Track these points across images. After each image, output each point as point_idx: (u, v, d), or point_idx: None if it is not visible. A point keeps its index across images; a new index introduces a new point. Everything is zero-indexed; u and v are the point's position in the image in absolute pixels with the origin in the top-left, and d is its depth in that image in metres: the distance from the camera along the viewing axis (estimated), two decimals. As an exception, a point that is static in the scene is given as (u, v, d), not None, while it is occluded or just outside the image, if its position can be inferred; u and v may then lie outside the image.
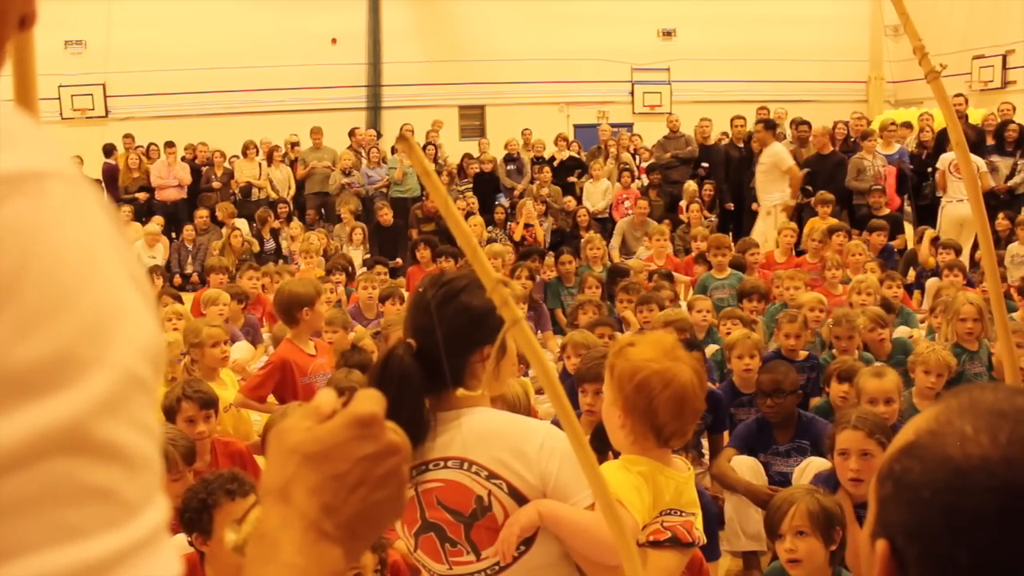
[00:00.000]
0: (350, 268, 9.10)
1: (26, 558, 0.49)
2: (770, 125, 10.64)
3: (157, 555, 0.55)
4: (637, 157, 13.83)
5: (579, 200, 12.51)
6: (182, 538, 2.57)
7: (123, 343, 0.54)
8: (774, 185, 10.14)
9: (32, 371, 0.50)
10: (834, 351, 5.15)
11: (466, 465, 1.85)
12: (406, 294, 7.80)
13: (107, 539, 0.52)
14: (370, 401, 0.80)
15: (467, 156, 13.82)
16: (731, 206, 12.11)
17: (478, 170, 13.36)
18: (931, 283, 7.51)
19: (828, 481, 3.25)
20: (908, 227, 10.64)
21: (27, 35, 0.84)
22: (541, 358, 0.98)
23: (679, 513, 1.92)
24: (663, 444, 1.93)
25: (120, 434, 0.53)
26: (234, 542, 0.79)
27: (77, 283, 0.52)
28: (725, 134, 13.15)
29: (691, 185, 11.98)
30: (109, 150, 13.62)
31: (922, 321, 6.62)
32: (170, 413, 3.62)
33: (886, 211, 10.04)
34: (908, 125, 12.91)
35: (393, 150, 13.36)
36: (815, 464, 3.75)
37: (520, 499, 1.82)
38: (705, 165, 12.42)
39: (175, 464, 3.14)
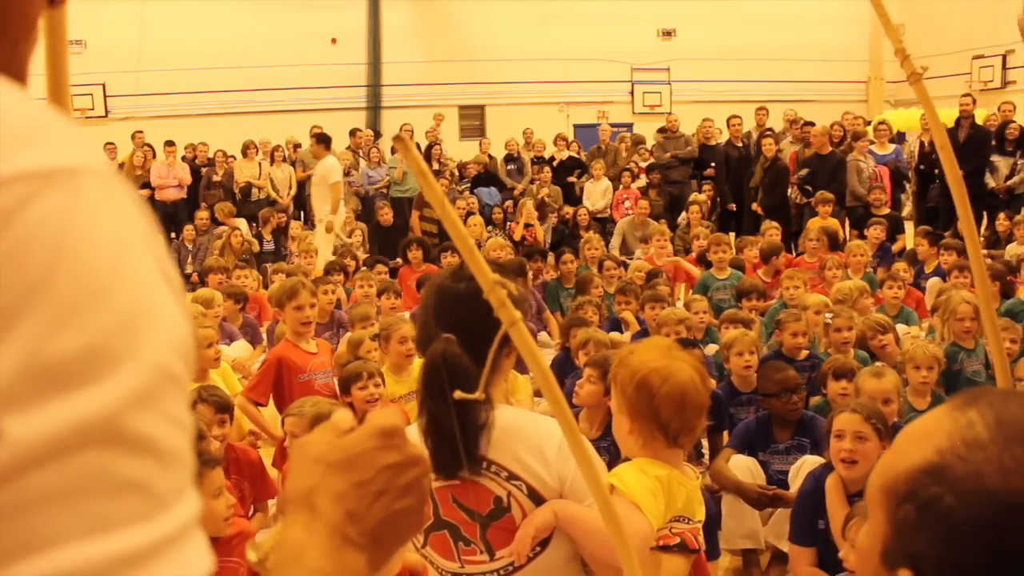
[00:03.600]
0: (353, 264, 9.09)
1: (60, 549, 0.49)
2: (322, 139, 10.20)
3: (188, 549, 0.55)
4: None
5: (579, 200, 12.52)
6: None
7: (155, 338, 0.54)
8: (326, 198, 9.87)
9: (66, 364, 0.50)
10: (830, 350, 5.15)
11: (486, 465, 1.82)
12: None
13: (140, 532, 0.52)
14: (391, 415, 0.82)
15: (461, 163, 13.90)
16: (733, 207, 12.10)
17: (475, 172, 13.40)
18: (932, 283, 7.51)
19: (821, 475, 3.28)
20: (909, 227, 10.64)
21: (61, 30, 0.84)
22: (539, 360, 0.98)
23: (687, 520, 1.93)
24: (672, 443, 1.93)
25: (152, 427, 0.53)
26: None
27: (110, 278, 0.52)
28: (718, 129, 13.11)
29: (699, 196, 11.81)
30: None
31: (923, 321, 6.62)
32: None
33: (886, 210, 10.03)
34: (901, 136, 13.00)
35: (393, 150, 13.36)
36: (810, 462, 3.76)
37: (539, 500, 1.81)
38: (713, 165, 12.41)
39: None
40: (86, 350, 0.50)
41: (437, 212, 0.86)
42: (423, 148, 13.42)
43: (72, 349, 0.50)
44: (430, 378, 1.77)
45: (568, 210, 12.33)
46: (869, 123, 12.96)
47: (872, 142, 11.61)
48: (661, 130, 13.09)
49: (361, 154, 13.30)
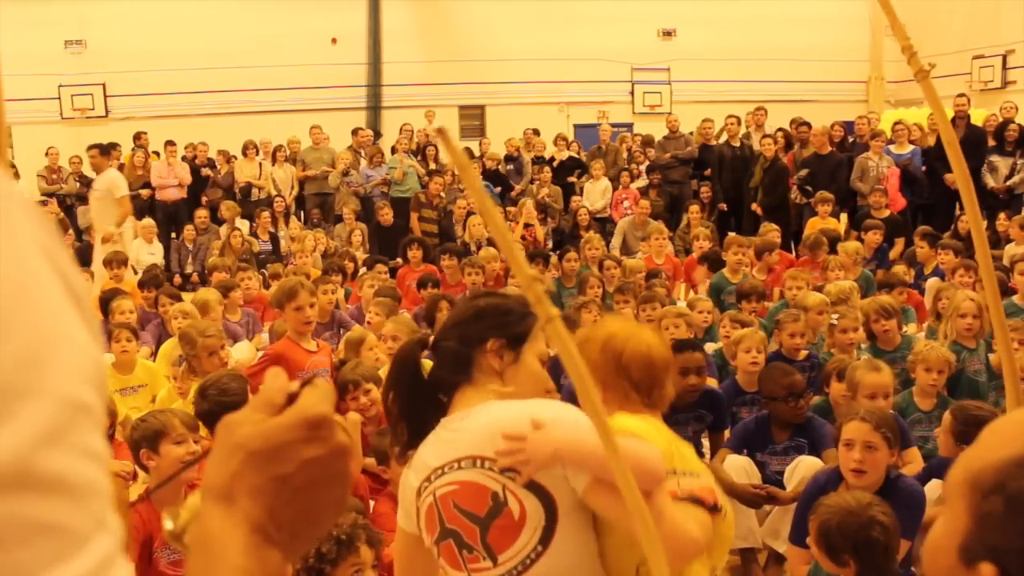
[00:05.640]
0: (352, 265, 9.08)
1: None
2: (104, 151, 9.84)
3: None
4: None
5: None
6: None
7: (62, 368, 0.51)
8: (111, 210, 9.49)
9: None
10: (833, 350, 5.15)
11: (479, 462, 1.84)
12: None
13: (58, 574, 0.50)
14: (321, 400, 0.77)
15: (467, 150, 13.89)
16: (724, 207, 12.11)
17: (479, 169, 13.40)
18: (931, 283, 7.51)
19: (827, 480, 3.25)
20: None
21: None
22: (574, 356, 0.97)
23: (688, 475, 1.89)
24: (647, 400, 1.97)
25: (64, 464, 0.51)
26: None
27: (11, 309, 0.49)
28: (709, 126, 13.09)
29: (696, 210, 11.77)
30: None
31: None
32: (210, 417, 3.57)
33: (885, 212, 10.01)
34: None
35: (393, 150, 13.36)
36: (805, 463, 3.76)
37: (537, 488, 1.81)
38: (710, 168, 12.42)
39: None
40: None
41: (476, 207, 0.86)
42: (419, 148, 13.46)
43: None
44: (399, 368, 2.05)
45: (576, 200, 12.31)
46: (871, 123, 12.94)
47: (892, 141, 11.58)
48: (667, 137, 13.09)
49: (363, 154, 13.30)
